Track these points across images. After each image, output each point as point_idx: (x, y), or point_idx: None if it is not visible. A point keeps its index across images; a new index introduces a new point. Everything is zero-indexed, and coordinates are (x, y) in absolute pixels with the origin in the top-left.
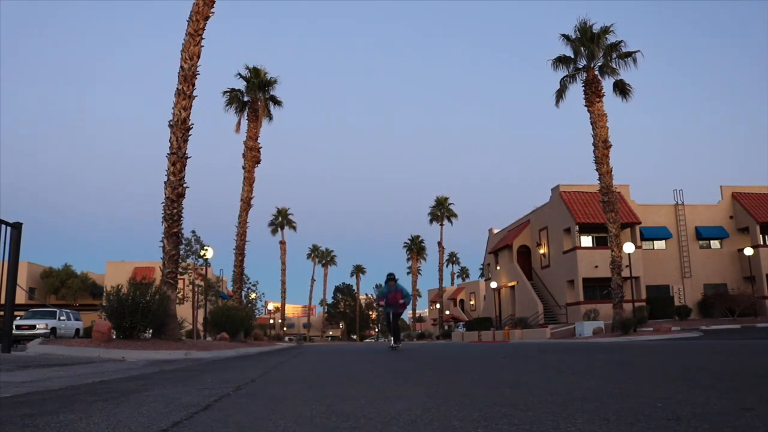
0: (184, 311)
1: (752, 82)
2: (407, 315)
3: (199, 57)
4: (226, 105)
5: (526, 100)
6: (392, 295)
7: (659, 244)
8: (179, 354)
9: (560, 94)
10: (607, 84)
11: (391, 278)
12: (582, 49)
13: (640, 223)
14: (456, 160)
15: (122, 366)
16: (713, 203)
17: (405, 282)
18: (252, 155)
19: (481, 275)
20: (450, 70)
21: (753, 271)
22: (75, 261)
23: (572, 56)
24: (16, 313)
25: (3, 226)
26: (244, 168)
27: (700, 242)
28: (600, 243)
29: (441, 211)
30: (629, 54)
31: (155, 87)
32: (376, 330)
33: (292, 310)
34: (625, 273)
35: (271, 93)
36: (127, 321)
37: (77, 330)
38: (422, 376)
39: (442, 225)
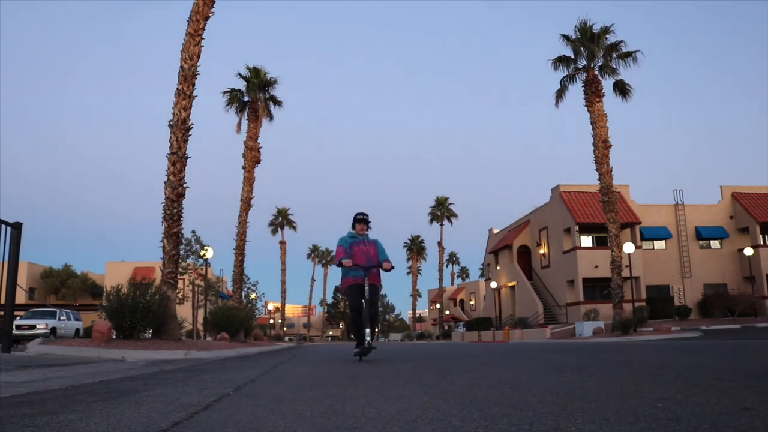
0: (184, 311)
1: (752, 82)
2: (407, 314)
3: (199, 57)
4: (226, 105)
5: (526, 100)
6: (360, 248)
7: (659, 244)
8: (179, 354)
9: (560, 94)
10: (607, 84)
11: (361, 219)
12: (582, 49)
13: (640, 223)
14: (456, 160)
15: (122, 366)
16: (713, 203)
17: (405, 282)
18: (252, 155)
19: (481, 275)
20: (450, 70)
21: (753, 271)
22: (75, 261)
23: (572, 56)
24: (16, 313)
25: (3, 226)
26: (244, 168)
27: (700, 242)
28: (600, 243)
29: (441, 211)
30: (629, 54)
31: (155, 87)
32: (377, 330)
33: (292, 310)
34: (625, 273)
35: (271, 93)
36: (127, 321)
37: (77, 330)
38: (422, 376)
39: (442, 225)
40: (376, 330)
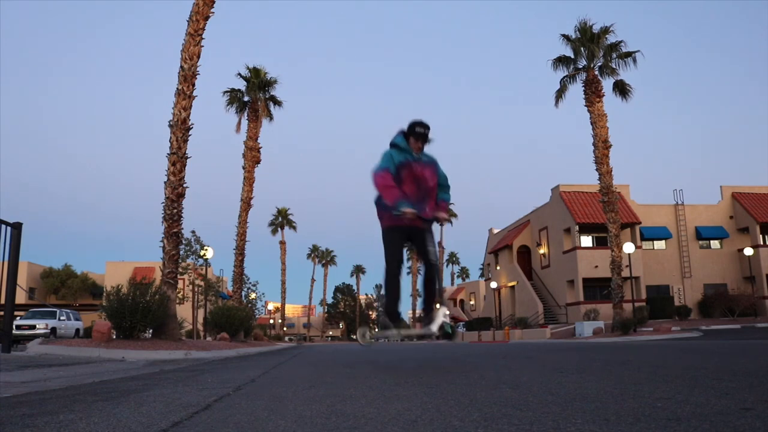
0: (184, 311)
1: (753, 82)
2: (406, 314)
3: (199, 57)
4: (227, 105)
5: (526, 100)
6: (411, 171)
7: (659, 244)
8: (179, 354)
9: (560, 94)
10: (607, 84)
11: (420, 134)
12: (582, 49)
13: (640, 223)
14: (456, 159)
15: (122, 366)
16: (713, 203)
17: (405, 282)
18: (252, 155)
19: (481, 275)
20: (450, 70)
21: (753, 271)
22: (75, 261)
23: (572, 56)
24: (16, 313)
25: (3, 226)
26: (244, 168)
27: (700, 242)
28: (600, 243)
29: None
30: (629, 54)
31: (155, 87)
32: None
33: (292, 310)
34: (625, 273)
35: (271, 93)
36: (127, 321)
37: (77, 330)
38: (422, 376)
39: (442, 225)
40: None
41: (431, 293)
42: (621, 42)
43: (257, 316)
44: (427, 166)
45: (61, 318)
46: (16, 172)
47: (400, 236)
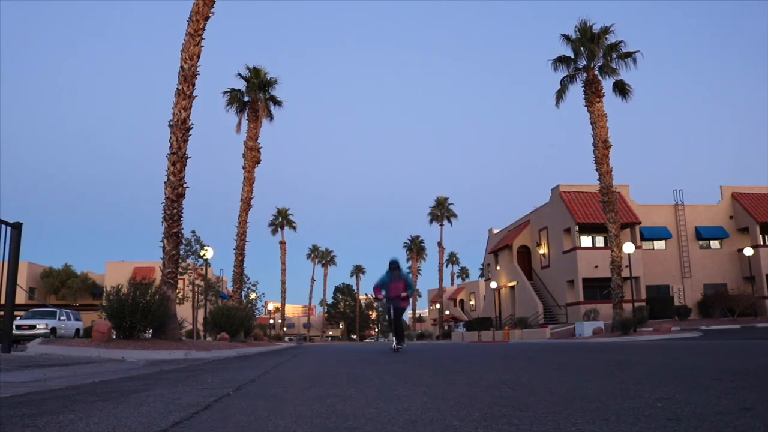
0: (184, 311)
1: (753, 82)
2: (406, 314)
3: (199, 57)
4: (227, 105)
5: (526, 100)
6: (394, 285)
7: (659, 244)
8: (179, 354)
9: (560, 95)
10: (607, 84)
11: (394, 266)
12: (582, 49)
13: (640, 223)
14: (456, 160)
15: (122, 366)
16: (713, 203)
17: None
18: (252, 155)
19: (481, 275)
20: (450, 70)
21: (753, 271)
22: (75, 261)
23: (572, 56)
24: (16, 313)
25: (3, 226)
26: (244, 168)
27: (700, 242)
28: (600, 243)
29: (441, 211)
30: (629, 54)
31: (155, 87)
32: (376, 330)
33: (292, 310)
34: (625, 273)
35: (271, 93)
36: (127, 321)
37: (77, 330)
38: (422, 376)
39: (442, 225)
40: (404, 337)
41: (396, 330)
42: (621, 42)
43: (257, 316)
44: (400, 280)
45: (61, 318)
46: (17, 172)
47: (388, 308)
